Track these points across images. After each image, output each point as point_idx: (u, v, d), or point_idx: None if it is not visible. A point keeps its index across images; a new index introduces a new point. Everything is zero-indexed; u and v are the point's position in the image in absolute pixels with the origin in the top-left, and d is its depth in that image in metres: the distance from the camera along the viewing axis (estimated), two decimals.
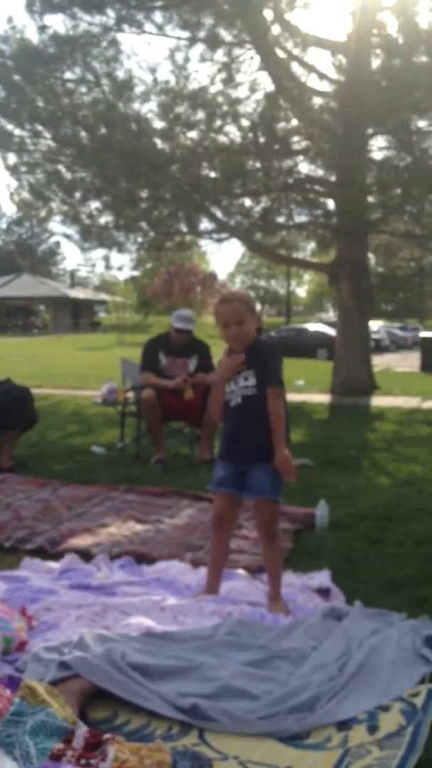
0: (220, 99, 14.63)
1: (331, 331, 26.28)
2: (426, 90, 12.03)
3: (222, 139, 14.66)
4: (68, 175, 14.68)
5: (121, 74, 14.56)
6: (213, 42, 14.35)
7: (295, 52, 14.12)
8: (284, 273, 60.53)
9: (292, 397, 13.07)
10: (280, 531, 4.60)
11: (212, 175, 14.12)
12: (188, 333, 7.10)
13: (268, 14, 13.53)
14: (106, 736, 2.21)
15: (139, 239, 15.92)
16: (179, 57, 14.60)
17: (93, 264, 75.72)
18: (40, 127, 14.40)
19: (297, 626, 3.19)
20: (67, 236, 16.09)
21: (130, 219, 14.58)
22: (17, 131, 14.54)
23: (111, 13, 14.15)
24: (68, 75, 14.78)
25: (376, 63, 13.71)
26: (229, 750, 2.34)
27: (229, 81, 14.76)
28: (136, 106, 14.67)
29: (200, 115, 14.36)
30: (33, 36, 14.37)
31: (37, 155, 14.90)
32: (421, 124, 14.02)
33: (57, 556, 4.22)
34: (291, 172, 14.82)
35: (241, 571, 3.99)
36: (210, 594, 3.59)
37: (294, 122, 14.42)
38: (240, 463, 3.49)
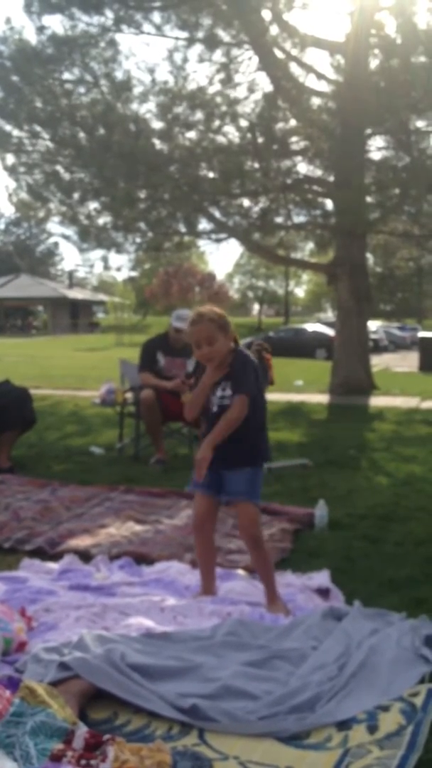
0: (218, 99, 14.64)
1: (330, 331, 26.27)
2: (424, 90, 12.03)
3: (220, 139, 14.67)
4: (67, 176, 14.68)
5: (119, 75, 14.59)
6: (211, 42, 14.35)
7: (294, 52, 14.12)
8: (283, 273, 60.50)
9: (291, 397, 13.19)
10: (281, 531, 4.62)
11: (211, 175, 14.13)
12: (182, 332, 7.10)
13: (266, 14, 13.54)
14: (106, 736, 2.21)
15: (138, 240, 15.92)
16: (178, 57, 14.62)
17: (91, 264, 76.03)
18: (38, 128, 14.39)
19: (297, 626, 3.19)
20: (66, 237, 16.11)
21: (128, 219, 14.58)
22: (15, 132, 14.53)
23: (109, 13, 14.16)
24: (66, 75, 14.79)
25: (374, 63, 13.72)
26: (230, 750, 2.34)
27: (227, 81, 14.77)
28: (134, 106, 14.69)
29: (199, 115, 14.37)
30: (31, 36, 14.42)
31: (36, 156, 14.89)
32: (420, 124, 14.03)
33: (56, 557, 4.22)
34: (289, 173, 14.83)
35: (240, 572, 3.99)
36: (207, 594, 3.60)
37: (292, 122, 14.44)
38: (218, 467, 3.51)
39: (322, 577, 3.82)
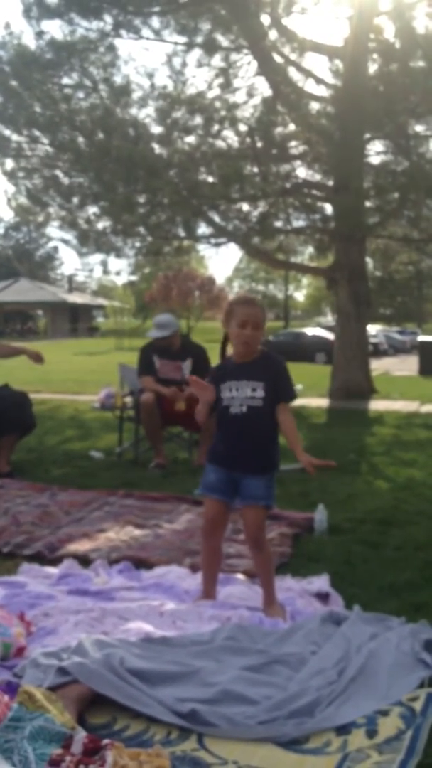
0: (217, 104, 14.67)
1: (330, 336, 26.29)
2: (423, 94, 12.05)
3: (220, 143, 14.70)
4: (66, 181, 14.70)
5: (118, 79, 14.62)
6: (210, 47, 14.39)
7: (293, 57, 14.16)
8: (282, 277, 60.56)
9: None
10: (280, 536, 4.61)
11: (210, 179, 14.14)
12: (168, 338, 7.09)
13: (265, 19, 13.58)
14: (105, 741, 2.20)
15: (137, 244, 15.93)
16: (176, 62, 14.68)
17: (91, 269, 75.91)
18: (37, 133, 14.42)
19: (296, 631, 3.18)
20: (65, 241, 16.11)
21: (127, 224, 14.59)
22: (15, 137, 14.56)
23: (108, 18, 14.19)
24: (66, 80, 14.81)
25: (373, 68, 13.73)
26: (229, 755, 2.33)
27: (226, 86, 14.81)
28: (133, 111, 14.72)
29: (198, 120, 14.39)
30: (30, 42, 14.43)
31: (35, 160, 14.92)
32: (419, 128, 14.05)
33: (55, 562, 4.21)
34: (288, 177, 14.84)
35: (240, 576, 3.99)
36: (208, 599, 3.59)
37: (291, 127, 14.46)
38: (236, 471, 3.48)
39: (321, 582, 3.81)
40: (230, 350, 3.61)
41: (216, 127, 14.49)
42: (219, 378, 3.53)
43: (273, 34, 13.86)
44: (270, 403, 3.44)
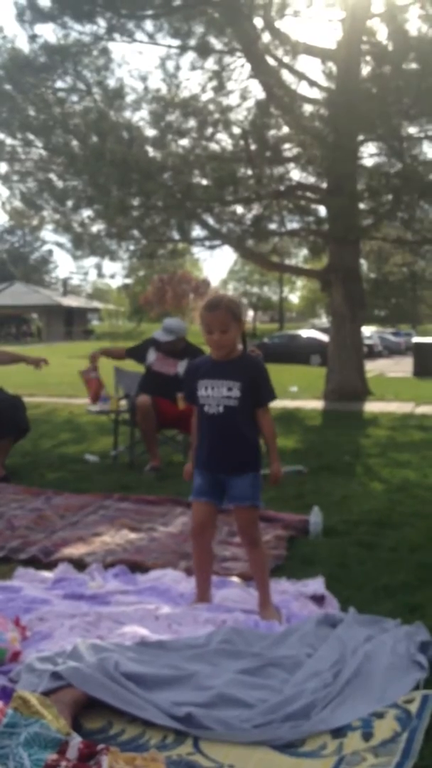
0: (211, 107, 14.67)
1: (324, 337, 26.30)
2: (416, 96, 12.07)
3: (213, 146, 14.70)
4: (60, 184, 14.69)
5: (112, 83, 14.62)
6: (204, 50, 14.39)
7: (286, 59, 14.17)
8: (277, 279, 60.56)
9: (285, 403, 13.18)
10: (275, 538, 4.61)
11: (204, 182, 14.14)
12: (174, 342, 7.13)
13: (258, 22, 13.58)
14: (101, 746, 2.20)
15: (132, 247, 15.93)
16: (170, 65, 14.67)
17: (85, 272, 75.78)
18: (31, 136, 14.41)
19: (291, 634, 3.18)
20: (60, 245, 16.13)
21: (122, 227, 14.60)
22: (9, 140, 14.55)
23: (102, 22, 14.18)
24: (59, 84, 14.82)
25: (366, 70, 13.76)
26: (224, 758, 2.33)
27: (220, 89, 14.81)
28: (127, 114, 14.72)
29: (191, 123, 14.41)
30: (24, 45, 14.47)
31: (29, 164, 14.91)
32: (412, 130, 14.06)
33: (51, 566, 4.21)
34: (282, 179, 14.86)
35: (235, 579, 3.99)
36: (203, 602, 3.59)
37: (285, 130, 14.48)
38: (219, 472, 3.49)
39: (316, 584, 3.81)
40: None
41: (210, 130, 14.51)
42: (194, 374, 3.54)
43: (266, 37, 13.86)
44: (246, 403, 3.43)
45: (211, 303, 3.48)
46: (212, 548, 3.74)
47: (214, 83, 14.78)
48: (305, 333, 35.90)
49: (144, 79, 15.66)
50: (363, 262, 18.55)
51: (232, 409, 3.41)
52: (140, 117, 14.76)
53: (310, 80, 14.48)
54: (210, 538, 3.66)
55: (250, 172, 14.20)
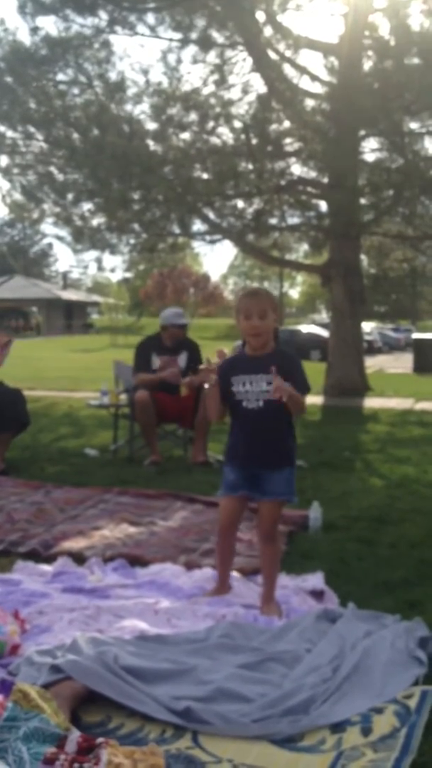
0: (212, 101, 14.62)
1: (324, 333, 26.29)
2: (418, 92, 12.05)
3: (214, 140, 14.66)
4: (60, 177, 14.65)
5: (113, 76, 14.56)
6: (205, 43, 14.35)
7: (288, 53, 14.12)
8: (277, 274, 60.51)
9: None
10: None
11: (205, 176, 14.11)
12: (185, 327, 7.23)
13: (260, 16, 13.54)
14: (99, 740, 2.20)
15: (132, 241, 15.89)
16: (171, 58, 14.61)
17: (86, 266, 75.90)
18: (32, 129, 14.37)
19: (290, 628, 3.19)
20: (60, 238, 16.10)
21: (122, 221, 14.56)
22: (9, 133, 14.52)
23: (103, 14, 14.14)
24: (60, 77, 14.76)
25: (368, 65, 13.72)
26: (223, 753, 2.33)
27: (221, 82, 14.75)
28: (128, 107, 14.67)
29: (193, 116, 14.36)
30: (25, 38, 14.45)
31: (30, 157, 14.87)
32: (413, 125, 14.05)
33: (50, 559, 4.21)
34: (283, 174, 14.83)
35: (235, 574, 3.98)
36: (222, 594, 3.62)
37: (286, 124, 14.43)
38: (257, 467, 3.50)
39: (316, 579, 3.81)
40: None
41: (211, 124, 14.46)
42: (229, 371, 3.52)
43: (268, 31, 13.82)
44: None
45: (251, 290, 3.58)
46: (235, 545, 3.77)
47: (215, 77, 14.73)
48: (305, 328, 35.89)
49: (145, 72, 15.59)
50: (363, 257, 18.51)
51: (273, 403, 3.39)
52: (141, 110, 14.74)
53: (312, 75, 14.45)
54: (235, 533, 3.70)
55: (251, 166, 14.15)
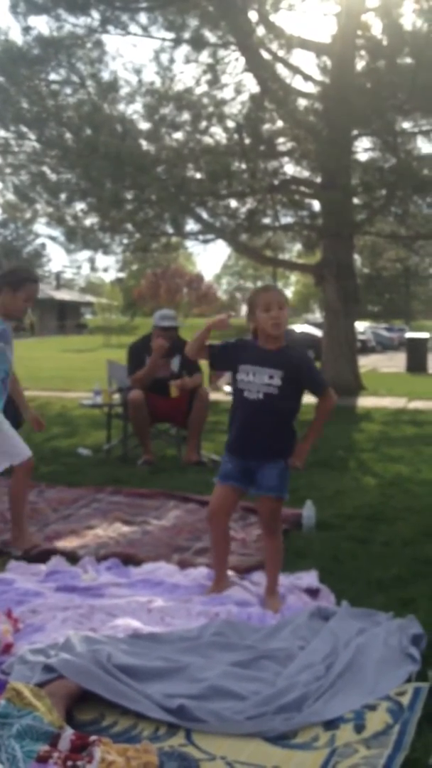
0: (205, 100, 14.64)
1: (318, 332, 26.29)
2: (410, 91, 12.07)
3: (207, 140, 14.67)
4: (53, 177, 14.64)
5: (106, 75, 14.57)
6: (198, 43, 14.35)
7: (280, 53, 14.14)
8: (270, 274, 60.46)
9: None
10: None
11: (198, 176, 14.12)
12: (175, 329, 7.16)
13: (252, 16, 13.55)
14: (93, 737, 2.20)
15: (125, 241, 15.90)
16: (164, 58, 14.61)
17: (79, 266, 75.52)
18: (24, 129, 14.34)
19: (284, 626, 3.19)
20: (53, 238, 16.20)
21: (115, 220, 14.56)
22: (2, 132, 14.51)
23: (96, 14, 14.12)
24: (53, 76, 14.74)
25: (360, 65, 13.74)
26: (217, 750, 2.33)
27: (214, 82, 14.76)
28: (121, 107, 14.67)
29: (185, 116, 14.36)
30: (17, 37, 14.41)
31: (22, 157, 14.85)
32: (406, 125, 14.07)
33: (43, 559, 4.20)
34: (276, 174, 14.84)
35: (228, 572, 3.98)
36: (220, 591, 3.63)
37: (279, 124, 14.44)
38: (250, 459, 3.52)
39: (310, 577, 3.82)
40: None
41: (204, 124, 14.47)
42: (238, 352, 3.57)
43: (261, 31, 13.83)
44: (286, 392, 3.46)
45: (265, 286, 3.69)
46: (228, 534, 3.78)
47: (208, 76, 14.74)
48: (299, 328, 35.83)
49: (138, 72, 15.53)
50: (357, 257, 18.56)
51: (272, 396, 3.44)
52: (134, 110, 14.75)
53: (305, 74, 14.46)
54: (226, 523, 3.71)
55: (244, 166, 14.15)
